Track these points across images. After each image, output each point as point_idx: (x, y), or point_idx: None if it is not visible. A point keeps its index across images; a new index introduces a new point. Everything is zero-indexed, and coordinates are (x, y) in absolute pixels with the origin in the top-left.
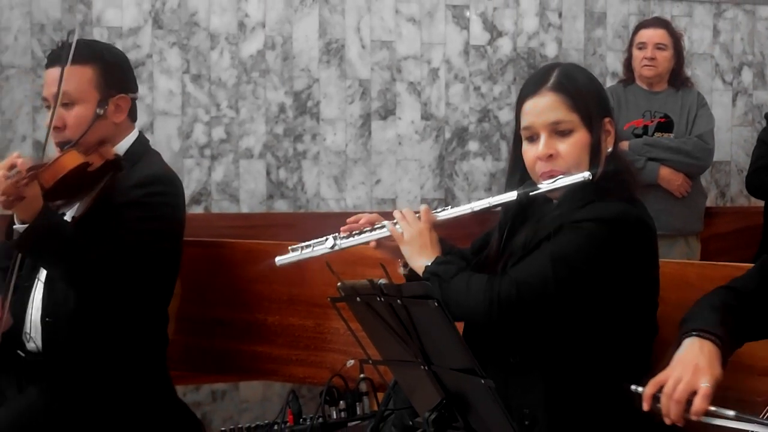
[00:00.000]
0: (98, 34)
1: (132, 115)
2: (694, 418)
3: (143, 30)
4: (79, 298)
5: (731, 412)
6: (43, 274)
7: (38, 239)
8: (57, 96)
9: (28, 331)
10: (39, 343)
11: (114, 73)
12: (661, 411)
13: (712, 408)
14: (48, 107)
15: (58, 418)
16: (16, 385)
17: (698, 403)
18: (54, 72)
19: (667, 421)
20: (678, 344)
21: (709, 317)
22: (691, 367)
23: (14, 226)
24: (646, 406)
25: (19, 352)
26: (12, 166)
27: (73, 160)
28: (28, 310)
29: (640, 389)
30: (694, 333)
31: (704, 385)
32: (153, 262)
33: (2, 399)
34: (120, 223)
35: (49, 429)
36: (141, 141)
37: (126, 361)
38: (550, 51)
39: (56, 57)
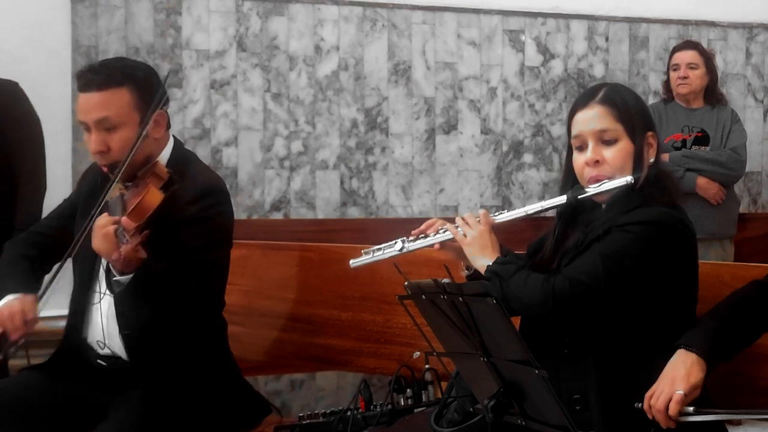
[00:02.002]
0: (187, 57)
1: (167, 125)
2: (673, 419)
3: (228, 53)
4: (153, 313)
5: (690, 408)
6: (104, 287)
7: (146, 287)
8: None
9: (101, 339)
10: (120, 351)
11: (149, 91)
12: None
13: (688, 408)
14: (86, 130)
15: (163, 416)
16: (95, 388)
17: (671, 408)
18: (90, 97)
19: (663, 426)
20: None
21: (695, 335)
22: (669, 379)
23: (114, 278)
24: (649, 416)
25: (101, 361)
26: (115, 224)
27: (155, 198)
28: (97, 320)
29: (639, 405)
30: (681, 346)
31: (678, 393)
32: (216, 269)
33: (79, 402)
34: (184, 241)
35: (160, 426)
36: (178, 147)
37: (199, 355)
38: (598, 71)
39: (90, 81)
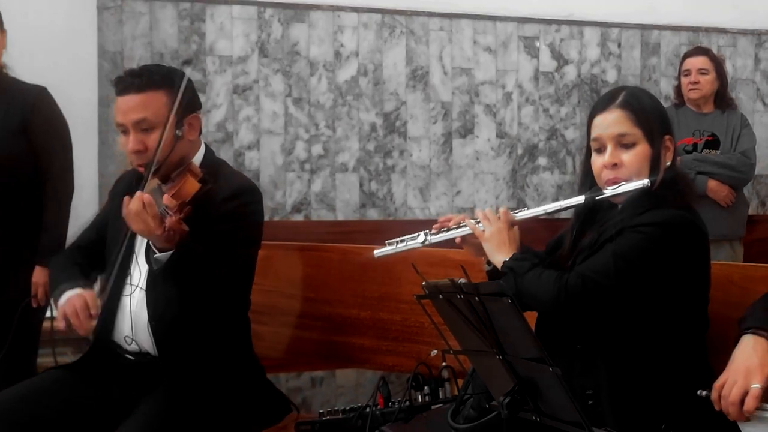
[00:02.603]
0: (210, 62)
1: (200, 130)
2: (747, 415)
3: (251, 58)
4: (183, 301)
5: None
6: (136, 280)
7: (184, 265)
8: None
9: (128, 334)
10: (147, 345)
11: (184, 95)
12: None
13: (766, 405)
14: (124, 132)
15: (187, 413)
16: (120, 386)
17: (748, 403)
18: (129, 99)
19: (730, 418)
20: (736, 341)
21: (762, 316)
22: (743, 369)
23: (155, 256)
24: (717, 408)
25: (128, 355)
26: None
27: (193, 186)
28: (125, 314)
29: (704, 393)
30: (748, 331)
31: (754, 387)
32: (245, 264)
33: (104, 399)
34: (217, 236)
35: (184, 423)
36: (209, 152)
37: (224, 352)
38: (611, 77)
39: (129, 85)
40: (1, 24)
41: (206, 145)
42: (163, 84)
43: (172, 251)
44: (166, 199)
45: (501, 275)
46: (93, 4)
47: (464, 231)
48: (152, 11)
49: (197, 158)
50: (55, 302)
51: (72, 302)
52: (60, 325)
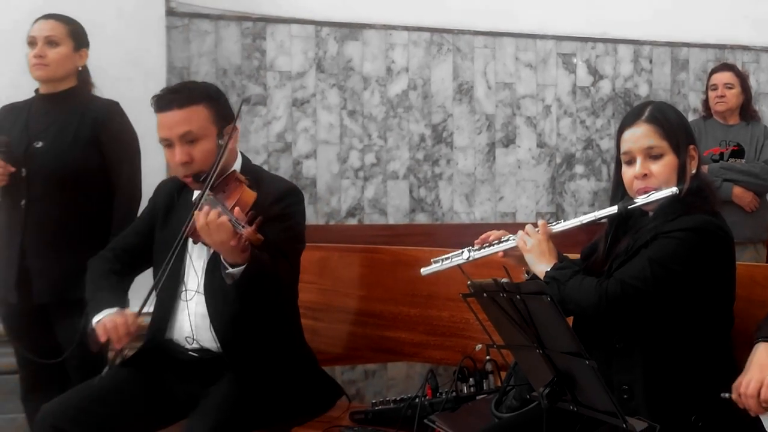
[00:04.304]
0: (271, 77)
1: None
2: (765, 405)
3: (308, 74)
4: (243, 302)
5: None
6: (193, 285)
7: (257, 277)
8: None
9: (189, 335)
10: (209, 343)
11: (222, 107)
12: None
13: None
14: (168, 146)
15: (253, 399)
16: (182, 381)
17: (764, 393)
18: (172, 115)
19: (752, 414)
20: (751, 348)
21: None
22: (758, 367)
23: (226, 271)
24: (741, 405)
25: (193, 353)
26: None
27: (251, 195)
28: (184, 318)
29: (727, 395)
30: (761, 339)
31: None
32: (294, 260)
33: (168, 394)
34: (272, 236)
35: (251, 408)
36: (246, 160)
37: (280, 341)
38: (642, 91)
39: (171, 101)
40: (87, 41)
41: (242, 153)
42: (202, 99)
43: (245, 266)
44: (237, 212)
45: None
46: (162, 24)
47: (506, 245)
48: (217, 30)
49: (237, 166)
50: (91, 314)
51: (111, 319)
52: (101, 339)
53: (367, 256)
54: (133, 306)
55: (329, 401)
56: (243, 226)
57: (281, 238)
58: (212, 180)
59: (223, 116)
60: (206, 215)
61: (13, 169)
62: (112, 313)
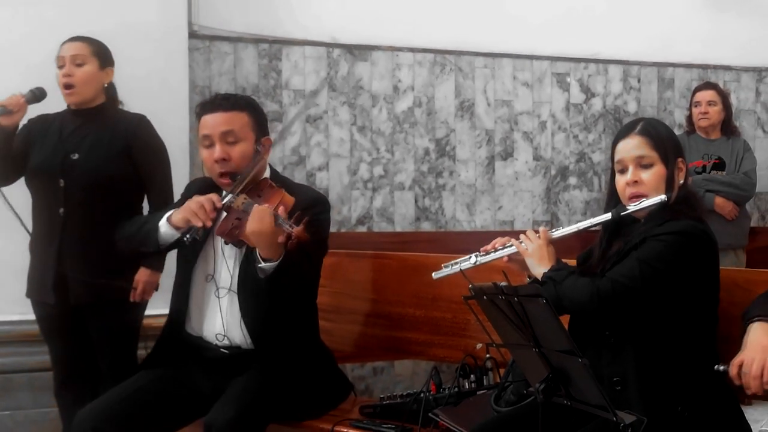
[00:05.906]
0: (286, 95)
1: None
2: (766, 387)
3: (321, 92)
4: (272, 300)
5: None
6: (225, 283)
7: (286, 273)
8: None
9: (220, 332)
10: (239, 340)
11: (261, 119)
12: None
13: None
14: (208, 145)
15: (276, 391)
16: (210, 373)
17: (767, 374)
18: (217, 115)
19: (749, 392)
20: (744, 331)
21: (765, 305)
22: (760, 348)
23: (260, 265)
24: (737, 382)
25: (224, 350)
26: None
27: (290, 198)
28: (215, 315)
29: (722, 368)
30: (756, 319)
31: None
32: (316, 263)
33: (195, 389)
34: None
35: (267, 403)
36: (275, 171)
37: (301, 338)
38: (631, 108)
39: (218, 105)
40: (111, 60)
41: (270, 165)
42: (246, 107)
43: (278, 260)
44: (282, 212)
45: (541, 285)
46: (185, 45)
47: (509, 250)
48: (236, 51)
49: (266, 175)
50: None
51: (194, 200)
52: (191, 218)
53: (375, 261)
54: (156, 309)
55: (341, 396)
56: (291, 226)
57: (310, 242)
58: (246, 182)
59: (262, 127)
60: (263, 211)
61: (23, 99)
62: (194, 197)
